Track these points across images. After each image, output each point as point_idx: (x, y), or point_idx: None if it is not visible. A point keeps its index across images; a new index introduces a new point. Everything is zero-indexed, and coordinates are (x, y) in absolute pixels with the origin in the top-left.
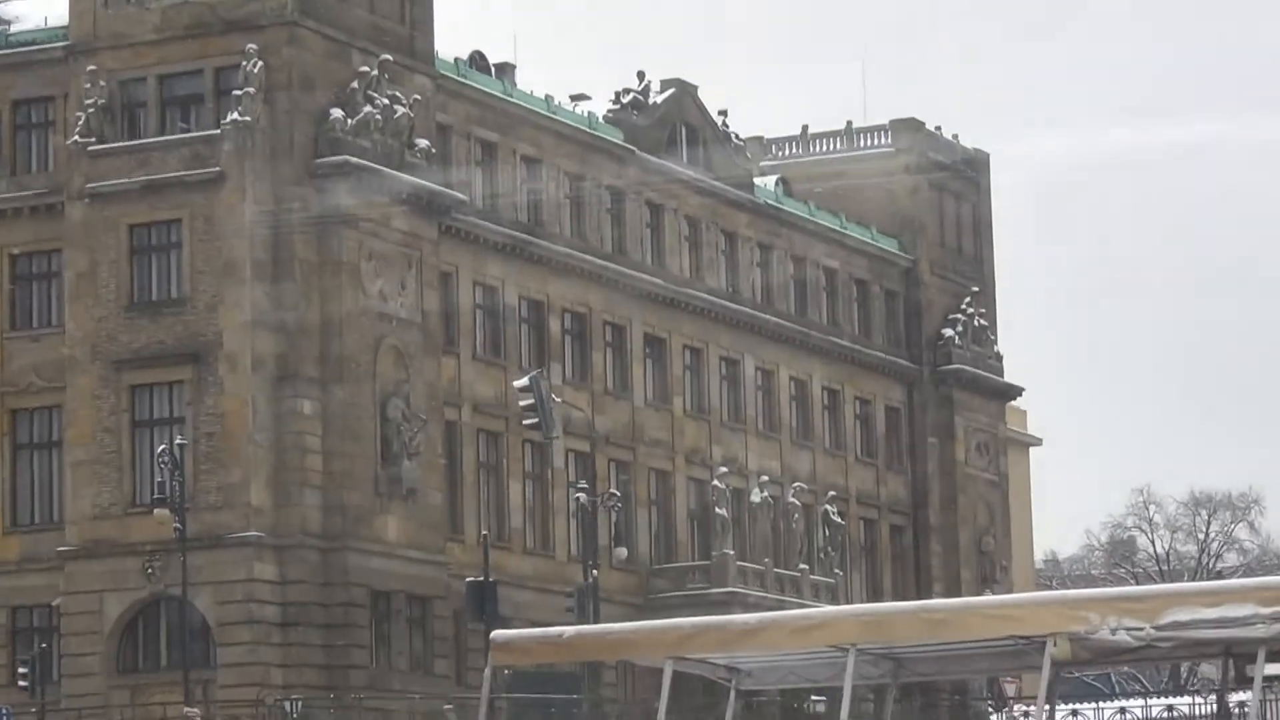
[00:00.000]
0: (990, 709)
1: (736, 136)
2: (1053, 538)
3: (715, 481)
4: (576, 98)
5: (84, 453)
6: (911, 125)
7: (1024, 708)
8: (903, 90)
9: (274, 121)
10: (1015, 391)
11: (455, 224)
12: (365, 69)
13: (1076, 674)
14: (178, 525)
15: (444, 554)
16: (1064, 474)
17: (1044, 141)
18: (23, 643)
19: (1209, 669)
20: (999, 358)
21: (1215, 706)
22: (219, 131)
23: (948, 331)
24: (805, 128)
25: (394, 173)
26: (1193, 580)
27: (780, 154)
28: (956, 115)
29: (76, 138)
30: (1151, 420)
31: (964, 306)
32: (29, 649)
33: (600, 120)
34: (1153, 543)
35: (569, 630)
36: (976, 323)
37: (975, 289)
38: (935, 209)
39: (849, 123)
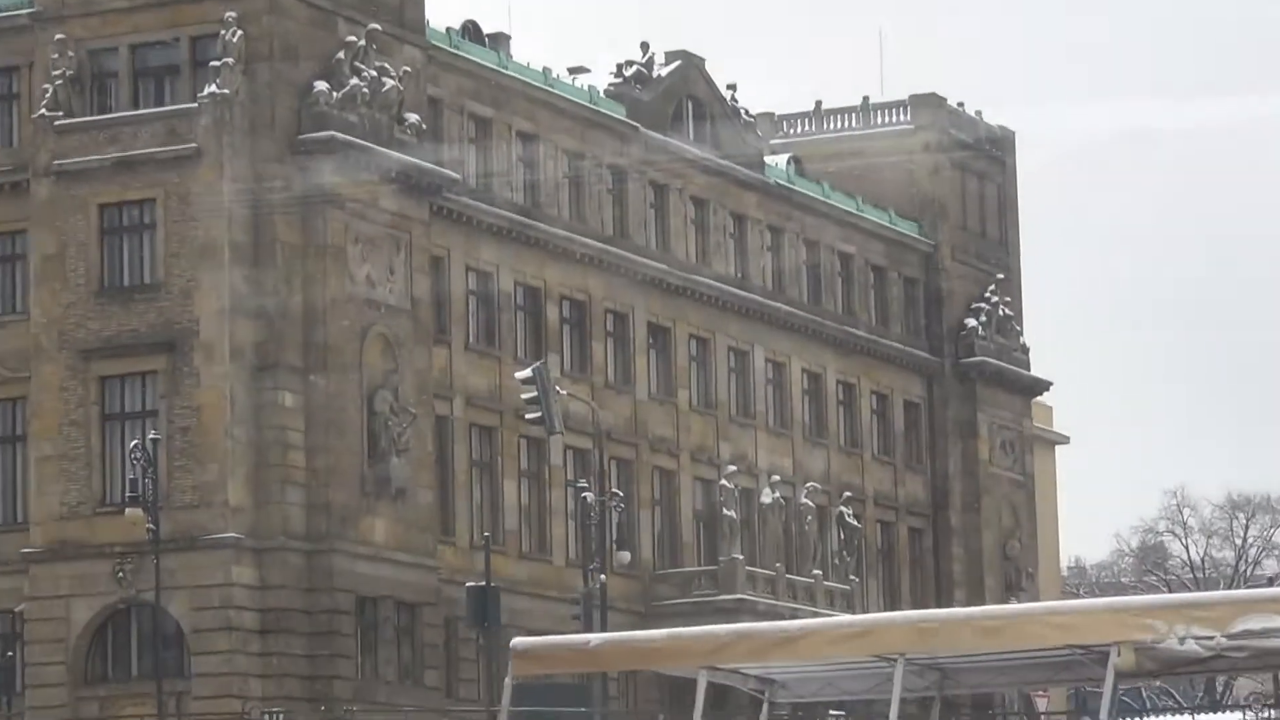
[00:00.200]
0: None
1: (746, 112)
2: (1078, 543)
3: (723, 481)
4: (576, 70)
5: (50, 448)
6: (932, 101)
7: None
8: (922, 64)
9: (254, 95)
10: (1042, 386)
11: (447, 204)
12: (352, 39)
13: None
14: (150, 526)
15: (435, 557)
16: (1092, 474)
17: (1074, 119)
18: None
19: (1245, 683)
20: (1025, 350)
21: None
22: (195, 105)
23: (970, 321)
24: (819, 103)
25: (382, 149)
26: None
27: (792, 131)
28: (980, 90)
29: (43, 111)
30: (1186, 418)
31: (988, 295)
32: None
33: (601, 94)
34: (1186, 548)
35: (595, 638)
36: (1001, 312)
37: (1000, 276)
38: (957, 190)
39: (865, 98)
